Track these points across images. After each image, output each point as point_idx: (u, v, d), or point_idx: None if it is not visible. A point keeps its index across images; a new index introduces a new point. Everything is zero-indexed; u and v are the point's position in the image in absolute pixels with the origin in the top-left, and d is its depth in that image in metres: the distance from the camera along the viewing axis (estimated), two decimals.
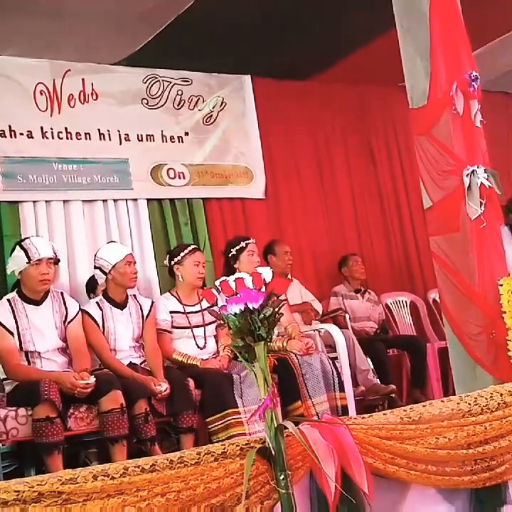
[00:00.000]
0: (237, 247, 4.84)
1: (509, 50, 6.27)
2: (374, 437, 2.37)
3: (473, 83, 4.00)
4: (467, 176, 3.98)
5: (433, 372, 5.62)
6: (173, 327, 4.54)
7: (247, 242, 4.87)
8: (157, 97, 5.79)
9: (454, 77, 4.04)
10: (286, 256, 5.67)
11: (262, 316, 2.24)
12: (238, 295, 2.26)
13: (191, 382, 4.17)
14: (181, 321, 4.56)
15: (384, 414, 2.59)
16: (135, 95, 5.70)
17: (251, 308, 2.23)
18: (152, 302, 4.54)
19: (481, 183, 3.96)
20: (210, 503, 2.10)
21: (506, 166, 6.08)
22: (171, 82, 5.85)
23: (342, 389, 4.38)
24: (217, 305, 2.37)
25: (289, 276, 5.74)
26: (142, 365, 4.33)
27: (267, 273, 2.35)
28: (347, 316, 5.65)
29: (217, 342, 4.63)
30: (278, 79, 6.25)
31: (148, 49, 5.38)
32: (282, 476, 2.14)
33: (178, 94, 5.88)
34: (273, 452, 2.17)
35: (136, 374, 4.13)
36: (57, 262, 4.14)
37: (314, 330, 5.09)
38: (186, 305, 4.62)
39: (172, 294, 4.68)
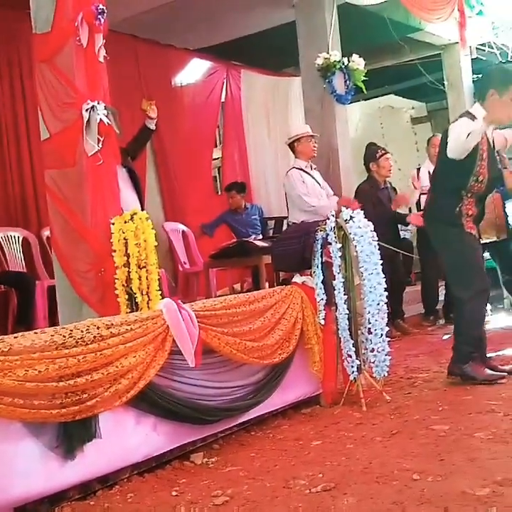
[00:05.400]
0: None
1: None
2: None
3: (99, 16, 3.93)
4: (87, 110, 3.91)
5: (41, 310, 5.50)
6: None
7: None
8: None
9: (80, 7, 3.93)
10: None
11: None
12: None
13: None
14: None
15: None
16: None
17: None
18: None
19: (101, 119, 3.92)
20: None
21: (130, 109, 6.14)
22: None
23: None
24: None
25: None
26: None
27: None
28: None
29: None
30: None
31: None
32: None
33: None
34: None
35: None
36: None
37: None
38: None
39: None
